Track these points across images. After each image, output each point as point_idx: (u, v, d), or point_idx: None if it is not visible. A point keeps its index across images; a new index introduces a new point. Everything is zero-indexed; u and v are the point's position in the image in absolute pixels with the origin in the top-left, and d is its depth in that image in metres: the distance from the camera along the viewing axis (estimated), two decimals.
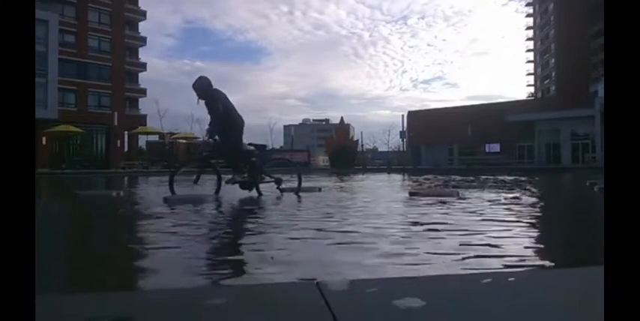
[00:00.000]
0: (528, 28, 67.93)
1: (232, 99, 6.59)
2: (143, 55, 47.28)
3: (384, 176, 17.15)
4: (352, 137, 38.66)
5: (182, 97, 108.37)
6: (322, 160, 40.01)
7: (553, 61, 55.64)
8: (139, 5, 46.10)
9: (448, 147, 45.10)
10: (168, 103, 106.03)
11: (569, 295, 1.36)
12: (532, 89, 68.53)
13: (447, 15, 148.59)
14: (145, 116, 43.85)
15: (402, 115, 38.60)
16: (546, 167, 30.68)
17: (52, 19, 32.75)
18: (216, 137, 6.37)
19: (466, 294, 1.37)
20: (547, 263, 2.18)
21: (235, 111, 6.49)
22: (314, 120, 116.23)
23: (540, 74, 63.21)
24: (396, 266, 2.02)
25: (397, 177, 16.27)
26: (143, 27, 51.10)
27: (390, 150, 63.95)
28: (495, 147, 41.81)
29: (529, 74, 69.75)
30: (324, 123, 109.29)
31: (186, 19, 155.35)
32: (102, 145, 37.75)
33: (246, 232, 3.16)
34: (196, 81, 6.28)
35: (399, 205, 5.16)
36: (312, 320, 1.17)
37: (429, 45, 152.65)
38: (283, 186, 6.74)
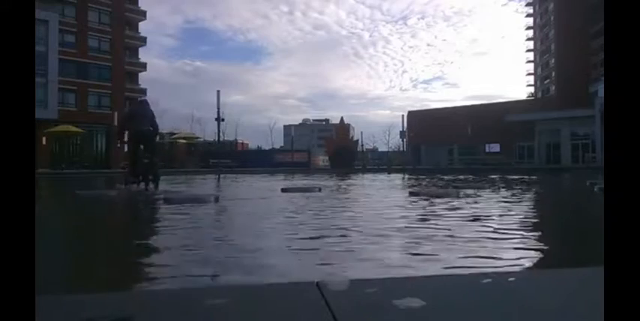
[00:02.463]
0: (528, 28, 67.82)
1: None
2: (143, 55, 47.18)
3: (384, 176, 17.15)
4: (352, 137, 38.52)
5: (182, 97, 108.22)
6: (322, 160, 39.89)
7: (553, 61, 55.55)
8: (139, 5, 46.00)
9: (448, 147, 45.07)
10: (168, 103, 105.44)
11: (569, 295, 1.36)
12: (532, 89, 68.42)
13: (447, 15, 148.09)
14: None
15: (402, 115, 38.51)
16: (546, 167, 30.66)
17: (52, 19, 32.69)
18: None
19: (466, 294, 1.37)
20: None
21: (135, 124, 7.91)
22: (314, 120, 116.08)
23: (540, 74, 63.12)
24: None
25: (397, 176, 16.27)
26: (143, 27, 50.93)
27: (390, 150, 63.82)
28: (495, 147, 41.76)
29: (529, 74, 69.63)
30: (324, 123, 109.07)
31: (187, 19, 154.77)
32: (102, 145, 37.68)
33: None
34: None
35: (402, 205, 5.16)
36: (312, 320, 1.17)
37: (429, 45, 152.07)
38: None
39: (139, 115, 8.08)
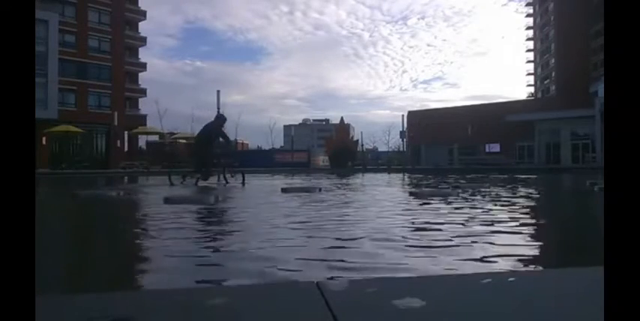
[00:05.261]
0: (528, 28, 67.85)
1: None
2: (143, 55, 47.26)
3: (384, 176, 17.14)
4: (352, 137, 38.50)
5: (182, 97, 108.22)
6: (322, 160, 39.89)
7: (553, 61, 55.58)
8: (139, 5, 46.04)
9: (448, 147, 45.06)
10: (168, 103, 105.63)
11: (569, 295, 1.36)
12: (532, 89, 68.45)
13: (447, 15, 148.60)
14: (145, 116, 43.80)
15: (402, 115, 38.53)
16: (546, 167, 30.64)
17: (52, 19, 32.68)
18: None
19: (466, 294, 1.37)
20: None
21: (200, 135, 10.52)
22: (314, 120, 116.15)
23: (540, 74, 63.15)
24: None
25: (398, 176, 16.27)
26: (143, 27, 50.96)
27: (390, 150, 63.76)
28: (495, 147, 41.74)
29: (529, 74, 69.69)
30: (324, 123, 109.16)
31: (187, 19, 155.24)
32: (102, 145, 37.67)
33: None
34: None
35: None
36: (312, 320, 1.17)
37: (429, 45, 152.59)
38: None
39: (206, 128, 10.31)
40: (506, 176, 14.92)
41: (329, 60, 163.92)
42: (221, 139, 10.49)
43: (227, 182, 9.95)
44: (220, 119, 10.61)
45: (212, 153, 10.30)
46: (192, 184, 9.70)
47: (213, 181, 10.27)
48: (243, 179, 10.09)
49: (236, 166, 11.59)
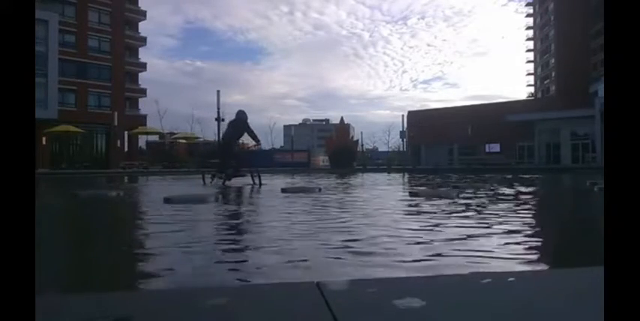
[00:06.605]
0: (528, 28, 67.85)
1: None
2: (143, 55, 47.24)
3: (385, 176, 17.14)
4: (352, 137, 38.50)
5: (182, 97, 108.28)
6: (322, 160, 39.87)
7: (553, 61, 55.58)
8: (139, 5, 46.03)
9: (448, 147, 45.06)
10: (168, 103, 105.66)
11: (569, 294, 1.36)
12: (532, 89, 68.45)
13: (447, 15, 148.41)
14: (145, 116, 43.80)
15: (402, 115, 38.58)
16: (546, 167, 30.64)
17: (52, 19, 32.69)
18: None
19: (466, 294, 1.37)
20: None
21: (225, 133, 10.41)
22: (314, 120, 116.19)
23: (540, 74, 63.14)
24: None
25: (398, 176, 16.28)
26: (143, 27, 50.98)
27: (390, 150, 63.75)
28: (495, 147, 41.72)
29: (529, 74, 69.68)
30: (324, 123, 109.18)
31: (187, 19, 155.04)
32: (102, 145, 37.68)
33: None
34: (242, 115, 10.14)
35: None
36: (312, 320, 1.17)
37: (429, 45, 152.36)
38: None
39: (229, 126, 10.28)
40: (507, 176, 14.92)
41: (329, 60, 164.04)
42: (241, 139, 10.37)
43: (255, 182, 9.55)
44: (241, 117, 10.14)
45: (234, 153, 10.21)
46: (221, 184, 9.49)
47: (242, 181, 9.93)
48: (260, 179, 9.76)
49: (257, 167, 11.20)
